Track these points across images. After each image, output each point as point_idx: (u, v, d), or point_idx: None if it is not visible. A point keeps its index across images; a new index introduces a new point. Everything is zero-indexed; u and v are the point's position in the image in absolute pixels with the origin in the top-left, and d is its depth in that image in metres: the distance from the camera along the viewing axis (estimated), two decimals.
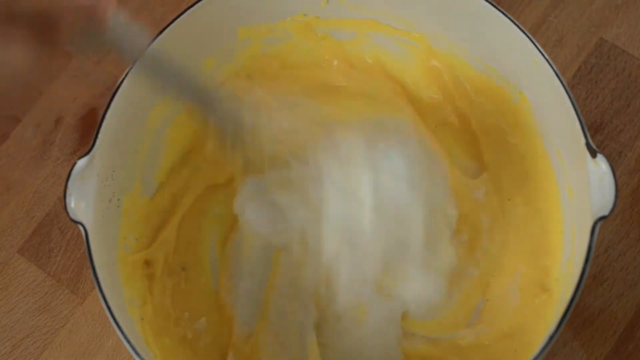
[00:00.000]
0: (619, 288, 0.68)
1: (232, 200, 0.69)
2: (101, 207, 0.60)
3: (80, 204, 0.58)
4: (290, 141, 0.65)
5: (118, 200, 0.64)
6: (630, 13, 0.76)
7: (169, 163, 0.69)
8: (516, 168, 0.68)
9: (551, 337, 0.54)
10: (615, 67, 0.74)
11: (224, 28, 0.68)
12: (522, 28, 0.62)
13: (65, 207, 0.58)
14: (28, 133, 0.76)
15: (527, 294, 0.64)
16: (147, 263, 0.66)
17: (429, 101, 0.71)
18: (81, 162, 0.58)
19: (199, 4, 0.64)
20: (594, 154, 0.56)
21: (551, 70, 0.60)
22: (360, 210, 0.64)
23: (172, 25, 0.63)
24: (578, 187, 0.61)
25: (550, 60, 0.60)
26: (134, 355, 0.56)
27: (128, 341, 0.56)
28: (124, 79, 0.62)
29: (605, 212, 0.55)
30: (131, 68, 0.62)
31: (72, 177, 0.58)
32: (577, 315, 0.68)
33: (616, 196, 0.55)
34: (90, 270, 0.57)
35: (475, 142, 0.70)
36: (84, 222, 0.58)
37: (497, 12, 0.62)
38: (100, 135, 0.60)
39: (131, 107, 0.63)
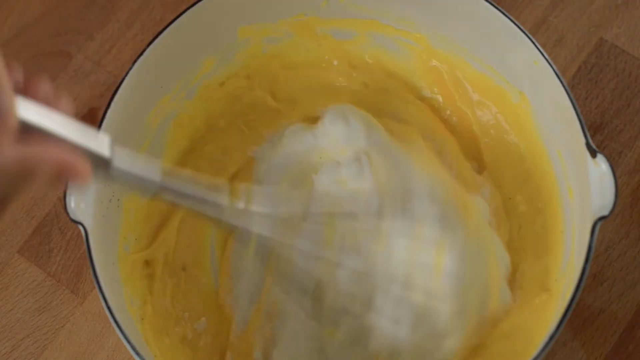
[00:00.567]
0: (619, 288, 0.68)
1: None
2: (101, 207, 0.60)
3: (80, 204, 0.58)
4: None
5: (118, 200, 0.64)
6: (630, 13, 0.76)
7: (169, 163, 0.69)
8: (516, 168, 0.68)
9: (551, 337, 0.54)
10: (615, 67, 0.74)
11: (224, 28, 0.68)
12: (522, 28, 0.62)
13: (65, 207, 0.58)
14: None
15: (527, 293, 0.64)
16: (147, 263, 0.66)
17: (430, 101, 0.71)
18: None
19: (199, 4, 0.64)
20: (594, 154, 0.57)
21: (551, 70, 0.60)
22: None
23: (172, 25, 0.63)
24: (578, 187, 0.61)
25: (550, 60, 0.60)
26: (134, 355, 0.56)
27: (128, 341, 0.56)
28: (124, 79, 0.62)
29: (605, 212, 0.55)
30: (130, 68, 0.62)
31: None
32: (577, 315, 0.68)
33: (616, 196, 0.55)
34: (90, 270, 0.57)
35: (475, 142, 0.70)
36: (84, 222, 0.58)
37: (497, 12, 0.62)
38: None
39: (131, 107, 0.63)
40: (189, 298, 0.67)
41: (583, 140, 0.58)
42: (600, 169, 0.56)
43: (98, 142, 0.45)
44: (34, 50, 0.79)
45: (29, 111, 0.42)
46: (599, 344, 0.67)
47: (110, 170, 0.47)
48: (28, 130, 0.42)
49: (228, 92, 0.71)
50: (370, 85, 0.72)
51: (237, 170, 0.70)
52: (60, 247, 0.73)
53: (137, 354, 0.55)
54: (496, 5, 0.62)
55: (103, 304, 0.56)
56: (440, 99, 0.71)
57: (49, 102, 0.44)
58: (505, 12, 0.62)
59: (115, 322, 0.56)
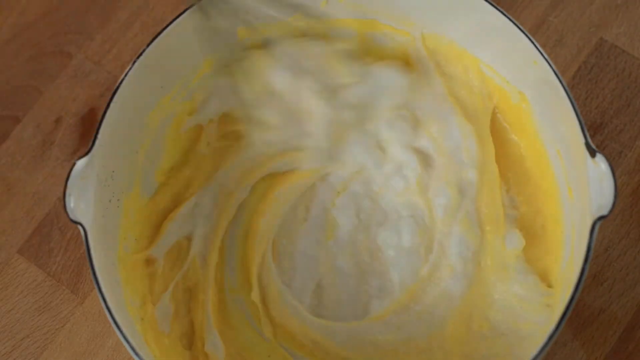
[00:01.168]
0: (619, 288, 0.68)
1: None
2: (101, 207, 0.60)
3: (80, 204, 0.58)
4: None
5: (118, 200, 0.64)
6: (630, 13, 0.76)
7: (169, 163, 0.69)
8: (516, 168, 0.68)
9: (551, 337, 0.54)
10: (615, 67, 0.74)
11: (223, 28, 0.68)
12: (522, 28, 0.62)
13: (65, 207, 0.58)
14: (28, 133, 0.76)
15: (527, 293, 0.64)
16: (147, 262, 0.66)
17: None
18: (81, 162, 0.58)
19: (199, 4, 0.64)
20: (593, 154, 0.56)
21: (551, 70, 0.60)
22: None
23: (172, 25, 0.63)
24: (578, 187, 0.61)
25: (550, 60, 0.60)
26: (134, 355, 0.56)
27: (128, 341, 0.56)
28: (124, 79, 0.62)
29: (605, 211, 0.55)
30: (130, 68, 0.62)
31: (71, 177, 0.58)
32: (577, 315, 0.68)
33: (616, 196, 0.55)
34: (90, 270, 0.57)
35: None
36: (84, 223, 0.58)
37: (497, 12, 0.62)
38: (100, 135, 0.60)
39: (131, 107, 0.63)
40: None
41: (583, 140, 0.57)
42: (600, 169, 0.56)
43: None
44: (34, 50, 0.79)
45: None
46: (599, 344, 0.67)
47: None
48: None
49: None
50: None
51: None
52: (60, 247, 0.73)
53: (137, 354, 0.55)
54: (496, 5, 0.62)
55: (103, 304, 0.56)
56: None
57: None
58: (505, 12, 0.62)
59: (115, 322, 0.56)
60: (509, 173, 0.68)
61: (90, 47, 0.79)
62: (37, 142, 0.76)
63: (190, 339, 0.66)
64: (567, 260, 0.62)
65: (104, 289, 0.57)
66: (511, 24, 0.62)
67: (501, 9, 0.62)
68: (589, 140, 0.57)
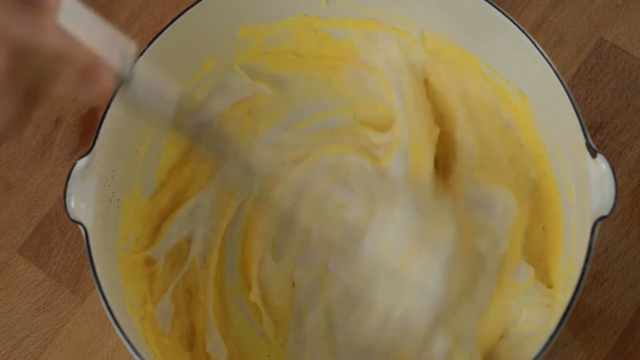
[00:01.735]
0: (619, 288, 0.68)
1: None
2: (101, 207, 0.60)
3: (80, 204, 0.58)
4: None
5: (118, 200, 0.64)
6: (630, 13, 0.76)
7: (169, 163, 0.69)
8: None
9: (551, 337, 0.54)
10: (615, 67, 0.74)
11: (224, 28, 0.68)
12: (522, 28, 0.62)
13: (65, 207, 0.58)
14: (28, 133, 0.76)
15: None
16: (148, 263, 0.66)
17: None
18: (81, 162, 0.58)
19: (199, 4, 0.64)
20: (594, 154, 0.56)
21: (551, 70, 0.60)
22: None
23: (172, 25, 0.63)
24: (578, 187, 0.61)
25: (550, 60, 0.60)
26: (134, 355, 0.56)
27: (128, 341, 0.56)
28: None
29: (605, 212, 0.55)
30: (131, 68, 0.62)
31: (72, 177, 0.58)
32: (577, 315, 0.68)
33: (616, 196, 0.55)
34: (90, 270, 0.57)
35: None
36: (84, 222, 0.58)
37: (497, 12, 0.62)
38: (100, 135, 0.60)
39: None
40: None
41: (583, 140, 0.58)
42: (600, 169, 0.56)
43: (123, 51, 0.45)
44: None
45: (66, 12, 0.42)
46: (599, 344, 0.67)
47: (128, 88, 0.46)
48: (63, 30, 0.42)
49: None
50: None
51: None
52: (60, 247, 0.73)
53: (137, 354, 0.55)
54: (496, 5, 0.62)
55: (103, 304, 0.56)
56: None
57: None
58: (505, 12, 0.62)
59: (115, 322, 0.56)
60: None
61: None
62: (37, 142, 0.76)
63: (191, 340, 0.66)
64: (567, 261, 0.62)
65: (104, 289, 0.57)
66: (511, 24, 0.62)
67: (501, 9, 0.62)
68: (590, 140, 0.57)
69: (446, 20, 0.67)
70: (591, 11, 0.76)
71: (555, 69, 0.60)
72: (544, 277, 0.64)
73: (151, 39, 0.63)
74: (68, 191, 0.58)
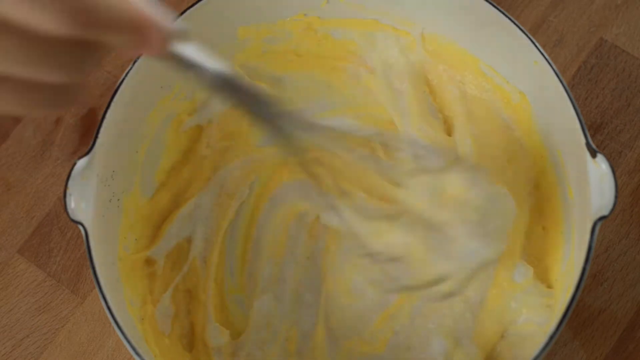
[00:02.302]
0: (619, 288, 0.68)
1: None
2: (101, 207, 0.60)
3: (80, 204, 0.58)
4: None
5: (118, 200, 0.64)
6: (630, 13, 0.76)
7: (169, 163, 0.69)
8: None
9: (551, 337, 0.54)
10: (615, 67, 0.74)
11: (224, 28, 0.68)
12: (522, 28, 0.62)
13: (65, 207, 0.58)
14: (28, 133, 0.76)
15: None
16: (148, 263, 0.66)
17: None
18: (81, 162, 0.58)
19: (199, 4, 0.64)
20: (594, 154, 0.56)
21: (551, 70, 0.60)
22: None
23: None
24: (578, 187, 0.61)
25: (550, 60, 0.60)
26: (134, 355, 0.56)
27: (128, 341, 0.56)
28: (124, 79, 0.62)
29: (605, 212, 0.55)
30: (130, 68, 0.62)
31: (72, 177, 0.58)
32: (577, 315, 0.68)
33: (616, 196, 0.55)
34: (90, 270, 0.57)
35: None
36: (84, 222, 0.58)
37: (497, 12, 0.62)
38: (100, 136, 0.60)
39: (131, 107, 0.63)
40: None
41: (583, 140, 0.57)
42: (600, 169, 0.56)
43: (169, 18, 0.44)
44: None
45: None
46: (599, 344, 0.67)
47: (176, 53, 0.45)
48: None
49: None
50: None
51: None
52: (60, 247, 0.73)
53: (137, 354, 0.55)
54: (496, 5, 0.62)
55: (103, 304, 0.56)
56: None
57: None
58: (505, 12, 0.62)
59: (115, 322, 0.56)
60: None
61: None
62: (37, 142, 0.76)
63: (191, 340, 0.66)
64: (567, 261, 0.62)
65: (104, 289, 0.57)
66: (511, 24, 0.62)
67: (501, 9, 0.62)
68: (590, 140, 0.57)
69: (446, 20, 0.67)
70: (591, 11, 0.76)
71: (555, 69, 0.60)
72: (544, 277, 0.64)
73: None
74: (68, 191, 0.58)
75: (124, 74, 0.62)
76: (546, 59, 0.61)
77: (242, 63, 0.70)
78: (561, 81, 0.60)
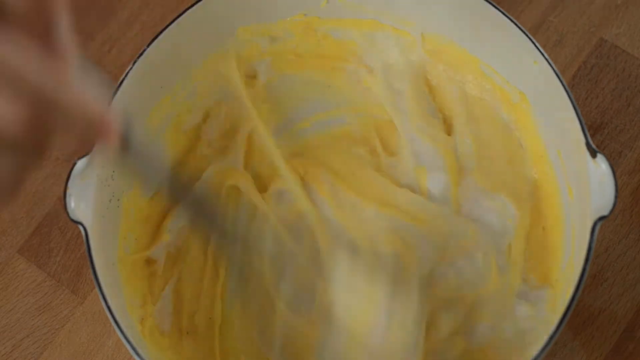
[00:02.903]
0: (619, 288, 0.68)
1: None
2: (101, 207, 0.60)
3: (80, 204, 0.58)
4: None
5: (118, 200, 0.64)
6: (630, 13, 0.76)
7: (169, 163, 0.69)
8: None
9: (551, 337, 0.54)
10: (615, 67, 0.74)
11: (224, 28, 0.68)
12: (522, 28, 0.62)
13: (65, 207, 0.58)
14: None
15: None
16: (148, 263, 0.66)
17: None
18: (81, 163, 0.58)
19: (199, 4, 0.64)
20: (594, 154, 0.56)
21: (551, 70, 0.60)
22: None
23: (171, 26, 0.63)
24: (578, 187, 0.61)
25: (550, 60, 0.60)
26: (134, 355, 0.56)
27: (128, 341, 0.56)
28: (123, 79, 0.62)
29: (605, 212, 0.55)
30: (130, 68, 0.62)
31: (72, 177, 0.58)
32: (577, 315, 0.68)
33: (616, 196, 0.55)
34: (90, 270, 0.57)
35: None
36: (84, 222, 0.58)
37: (497, 12, 0.62)
38: None
39: (131, 107, 0.63)
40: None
41: (583, 140, 0.57)
42: (600, 169, 0.56)
43: (122, 117, 0.43)
44: None
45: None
46: (599, 344, 0.67)
47: (127, 149, 0.45)
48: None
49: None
50: None
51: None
52: (60, 247, 0.73)
53: (137, 354, 0.55)
54: (496, 5, 0.62)
55: (103, 304, 0.56)
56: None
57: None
58: (505, 12, 0.62)
59: (115, 322, 0.56)
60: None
61: (91, 47, 0.78)
62: None
63: (191, 339, 0.66)
64: (567, 261, 0.62)
65: (104, 289, 0.57)
66: (511, 24, 0.62)
67: (501, 9, 0.62)
68: (590, 140, 0.57)
69: (446, 20, 0.66)
70: (591, 11, 0.76)
71: (555, 69, 0.60)
72: (544, 277, 0.64)
73: (151, 39, 0.63)
74: (68, 191, 0.58)
75: (124, 74, 0.62)
76: (546, 59, 0.60)
77: (242, 63, 0.70)
78: (561, 81, 0.60)
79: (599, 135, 0.72)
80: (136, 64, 0.62)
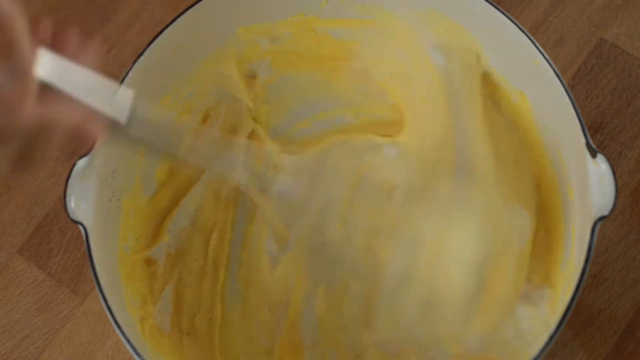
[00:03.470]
0: (619, 288, 0.68)
1: None
2: (101, 207, 0.60)
3: (80, 204, 0.58)
4: None
5: (118, 200, 0.64)
6: (630, 13, 0.76)
7: (169, 163, 0.69)
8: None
9: (551, 337, 0.54)
10: (615, 67, 0.74)
11: (223, 28, 0.68)
12: (522, 28, 0.62)
13: (65, 207, 0.58)
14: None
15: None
16: (148, 263, 0.66)
17: None
18: (81, 162, 0.58)
19: (199, 4, 0.64)
20: (594, 154, 0.56)
21: (551, 70, 0.60)
22: None
23: (171, 26, 0.63)
24: (578, 187, 0.61)
25: (550, 60, 0.60)
26: (134, 355, 0.56)
27: (128, 341, 0.56)
28: (123, 79, 0.62)
29: (605, 212, 0.55)
30: (130, 68, 0.62)
31: (72, 177, 0.58)
32: (577, 315, 0.68)
33: (616, 196, 0.55)
34: (90, 270, 0.57)
35: None
36: (84, 222, 0.58)
37: (497, 12, 0.62)
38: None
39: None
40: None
41: (583, 140, 0.58)
42: (600, 169, 0.56)
43: (118, 101, 0.44)
44: None
45: (49, 70, 0.41)
46: (599, 344, 0.67)
47: (126, 133, 0.46)
48: (47, 87, 0.41)
49: None
50: None
51: None
52: (60, 247, 0.73)
53: (137, 354, 0.55)
54: (496, 5, 0.62)
55: (103, 304, 0.56)
56: None
57: (76, 55, 0.44)
58: (505, 12, 0.62)
59: (115, 322, 0.56)
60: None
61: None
62: None
63: (192, 339, 0.66)
64: (567, 261, 0.62)
65: (104, 289, 0.57)
66: (511, 24, 0.62)
67: (501, 9, 0.62)
68: (590, 140, 0.57)
69: (446, 20, 0.66)
70: (591, 11, 0.76)
71: (555, 69, 0.60)
72: (544, 277, 0.64)
73: (151, 39, 0.63)
74: (68, 191, 0.58)
75: (124, 74, 0.62)
76: (546, 59, 0.61)
77: (242, 63, 0.70)
78: (561, 81, 0.60)
79: (599, 135, 0.72)
80: (136, 64, 0.62)
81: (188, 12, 0.64)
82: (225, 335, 0.66)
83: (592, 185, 0.56)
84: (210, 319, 0.66)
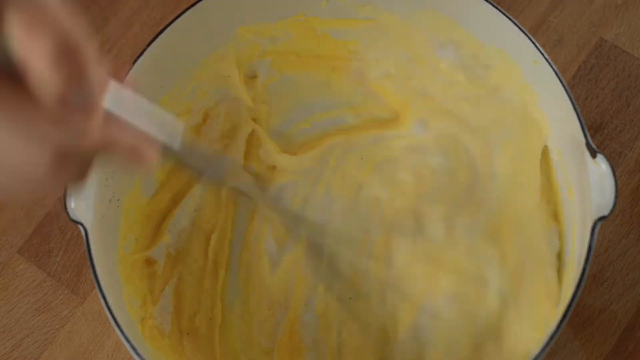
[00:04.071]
0: (619, 288, 0.68)
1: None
2: (101, 207, 0.60)
3: (80, 204, 0.58)
4: None
5: (118, 200, 0.64)
6: (630, 13, 0.76)
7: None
8: None
9: (551, 337, 0.54)
10: (615, 67, 0.74)
11: (223, 28, 0.68)
12: (522, 28, 0.62)
13: (65, 207, 0.58)
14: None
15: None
16: (148, 263, 0.66)
17: None
18: None
19: (199, 4, 0.64)
20: (594, 154, 0.57)
21: (551, 70, 0.60)
22: None
23: (171, 26, 0.63)
24: (578, 187, 0.61)
25: (550, 60, 0.60)
26: (134, 355, 0.56)
27: (128, 341, 0.56)
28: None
29: (605, 212, 0.55)
30: (131, 68, 0.62)
31: None
32: (577, 315, 0.68)
33: (616, 196, 0.55)
34: (90, 270, 0.57)
35: None
36: (84, 222, 0.58)
37: (498, 12, 0.62)
38: None
39: None
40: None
41: (583, 140, 0.58)
42: (600, 169, 0.56)
43: (171, 130, 0.48)
44: None
45: (115, 99, 0.44)
46: (599, 344, 0.67)
47: (175, 157, 0.50)
48: (109, 114, 0.44)
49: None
50: None
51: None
52: (60, 247, 0.73)
53: (137, 354, 0.55)
54: (496, 5, 0.62)
55: (103, 304, 0.56)
56: None
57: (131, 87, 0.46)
58: (505, 12, 0.62)
59: (115, 322, 0.56)
60: None
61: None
62: None
63: (192, 339, 0.66)
64: (567, 261, 0.62)
65: (104, 289, 0.57)
66: (511, 24, 0.62)
67: (501, 9, 0.62)
68: (590, 140, 0.57)
69: (446, 20, 0.66)
70: (591, 11, 0.76)
71: (555, 69, 0.60)
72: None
73: (151, 39, 0.63)
74: (68, 191, 0.58)
75: (123, 74, 0.62)
76: (546, 59, 0.61)
77: (242, 63, 0.70)
78: (561, 81, 0.60)
79: (599, 135, 0.72)
80: (136, 64, 0.62)
81: (188, 12, 0.64)
82: (225, 335, 0.67)
83: (592, 185, 0.56)
84: (210, 319, 0.66)
